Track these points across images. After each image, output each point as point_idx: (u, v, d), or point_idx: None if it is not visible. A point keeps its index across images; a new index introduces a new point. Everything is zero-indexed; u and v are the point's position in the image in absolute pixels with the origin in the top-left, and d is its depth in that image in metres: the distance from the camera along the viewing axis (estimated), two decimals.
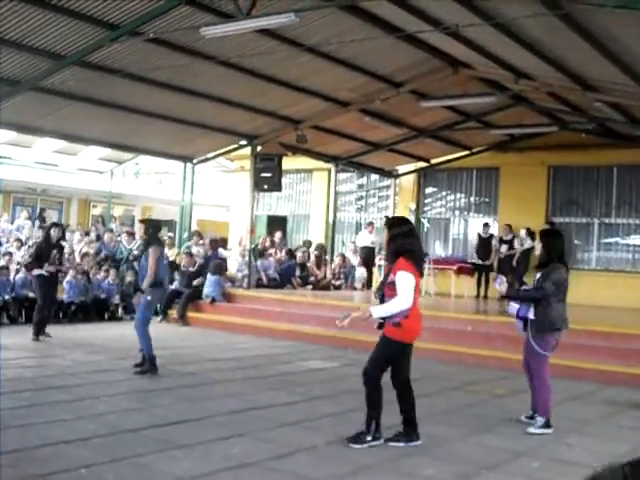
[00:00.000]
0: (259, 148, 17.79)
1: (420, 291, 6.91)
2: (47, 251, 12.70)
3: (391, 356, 6.64)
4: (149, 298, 9.86)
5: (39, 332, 12.42)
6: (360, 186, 24.03)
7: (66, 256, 15.13)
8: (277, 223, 23.43)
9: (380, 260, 19.12)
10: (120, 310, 16.35)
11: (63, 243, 13.97)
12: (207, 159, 19.35)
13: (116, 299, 16.27)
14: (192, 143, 17.56)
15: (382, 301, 6.66)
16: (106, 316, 15.98)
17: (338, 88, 15.33)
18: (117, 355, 11.23)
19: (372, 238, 20.47)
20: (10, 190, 25.29)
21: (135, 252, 17.55)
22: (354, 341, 13.11)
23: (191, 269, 16.84)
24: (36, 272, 12.69)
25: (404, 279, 6.42)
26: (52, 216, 25.33)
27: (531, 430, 7.45)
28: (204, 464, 5.77)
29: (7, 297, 14.40)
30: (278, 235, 21.43)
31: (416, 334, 6.65)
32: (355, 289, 19.80)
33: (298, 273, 19.15)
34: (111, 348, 11.97)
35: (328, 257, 20.50)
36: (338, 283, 19.70)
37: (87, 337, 12.76)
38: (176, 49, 12.35)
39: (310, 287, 18.80)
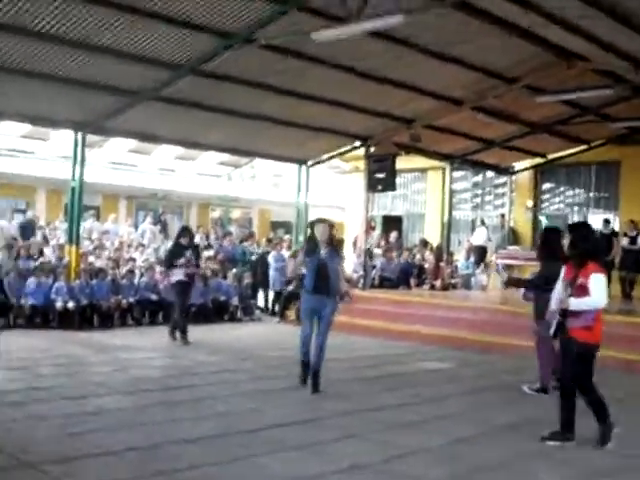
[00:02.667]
0: (373, 149, 17.84)
1: None
2: (178, 256, 12.65)
3: (591, 359, 6.81)
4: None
5: (174, 334, 12.56)
6: (475, 184, 23.76)
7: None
8: (392, 223, 23.47)
9: (497, 259, 18.87)
10: (239, 312, 16.69)
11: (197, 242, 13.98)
12: (321, 161, 19.52)
13: (235, 301, 16.62)
14: (306, 146, 17.77)
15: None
16: (225, 317, 16.35)
17: (450, 86, 15.21)
18: (237, 356, 11.52)
19: (486, 237, 20.24)
20: (133, 196, 26.24)
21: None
22: (471, 341, 13.06)
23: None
24: (173, 279, 12.72)
25: (600, 281, 6.72)
26: (171, 220, 26.09)
27: (525, 390, 9.08)
28: (317, 465, 5.85)
29: (132, 300, 14.95)
30: (394, 235, 21.45)
31: (601, 336, 6.86)
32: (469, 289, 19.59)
33: (415, 273, 19.13)
34: (231, 349, 12.27)
35: (445, 257, 20.35)
36: (455, 282, 19.55)
37: (207, 338, 13.09)
38: (288, 54, 12.57)
39: (427, 287, 18.73)
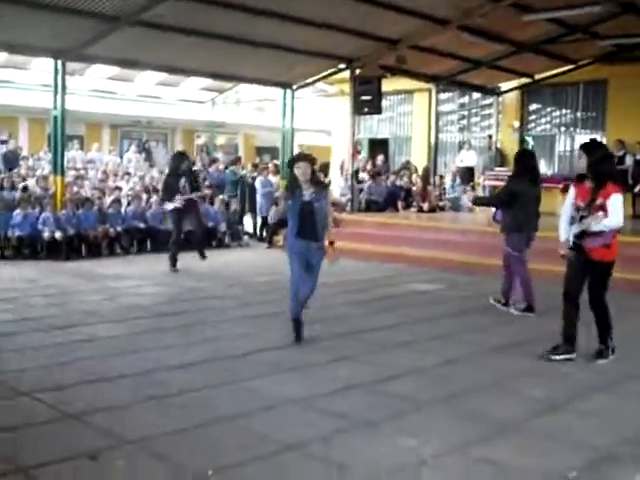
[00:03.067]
0: (358, 71, 17.63)
1: None
2: (175, 182, 12.45)
3: (608, 276, 7.00)
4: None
5: (175, 264, 12.51)
6: (462, 105, 23.53)
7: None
8: (379, 146, 23.33)
9: (485, 181, 18.85)
10: (227, 238, 16.68)
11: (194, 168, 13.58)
12: (306, 84, 19.29)
13: (223, 227, 16.60)
14: (291, 69, 17.51)
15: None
16: (213, 244, 16.34)
17: (436, 5, 14.89)
18: (226, 282, 11.56)
19: (470, 157, 20.20)
20: (116, 124, 25.94)
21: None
22: (459, 263, 13.14)
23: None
24: (169, 206, 12.59)
25: (619, 201, 6.79)
26: (156, 147, 25.88)
27: (512, 311, 9.27)
28: (311, 386, 5.93)
29: (119, 229, 14.90)
30: (380, 158, 21.37)
31: (616, 254, 7.03)
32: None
33: (403, 196, 19.13)
34: (219, 275, 12.30)
35: (432, 179, 20.32)
36: (442, 204, 19.56)
37: (195, 265, 13.11)
38: None
39: (414, 210, 18.74)
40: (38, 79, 20.56)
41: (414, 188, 19.72)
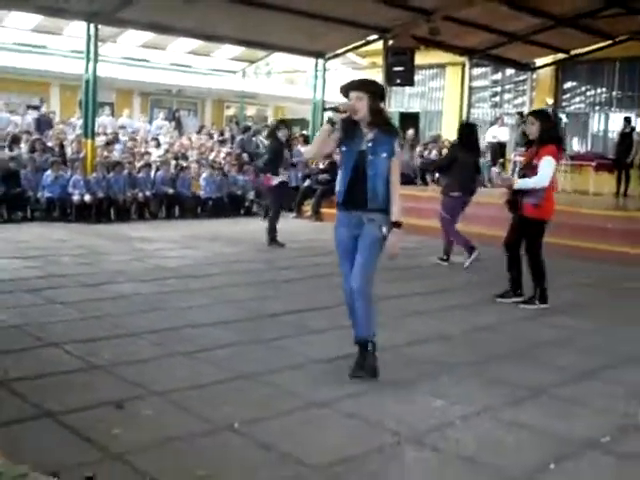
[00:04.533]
0: (391, 42, 17.45)
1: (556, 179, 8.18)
2: (281, 155, 11.86)
3: (539, 233, 7.63)
4: None
5: (274, 240, 11.62)
6: (495, 82, 23.28)
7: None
8: (409, 120, 23.14)
9: (515, 157, 18.65)
10: (255, 206, 16.66)
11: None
12: (338, 54, 19.14)
13: (251, 195, 16.58)
14: (323, 38, 17.36)
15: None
16: (241, 212, 16.35)
17: None
18: (253, 247, 11.54)
19: (503, 133, 19.99)
20: (147, 92, 25.91)
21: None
22: (484, 236, 13.00)
23: (321, 166, 16.86)
24: (275, 181, 11.64)
25: (547, 162, 7.35)
26: (186, 117, 25.83)
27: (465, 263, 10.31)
28: (338, 348, 5.88)
29: (148, 193, 14.93)
30: (410, 132, 21.19)
31: (551, 214, 7.68)
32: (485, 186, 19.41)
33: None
34: (247, 241, 12.28)
35: None
36: None
37: (223, 231, 13.08)
38: None
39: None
40: (71, 45, 20.55)
41: None
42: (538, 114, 7.99)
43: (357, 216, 5.14)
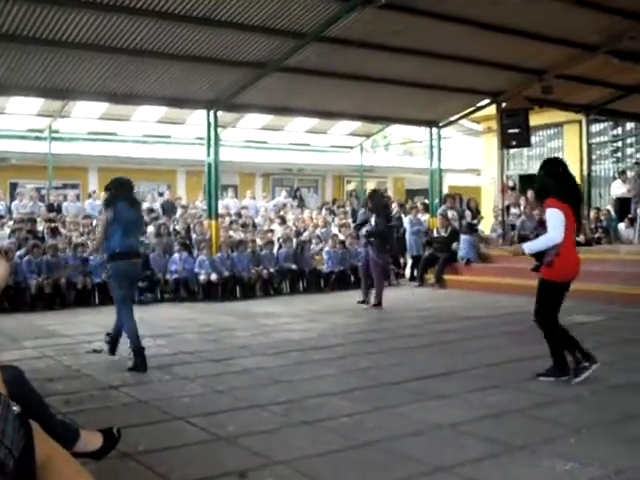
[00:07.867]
0: (504, 105, 17.40)
1: (573, 230, 6.85)
2: (390, 234, 12.39)
3: (550, 296, 6.72)
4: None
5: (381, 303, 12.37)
6: (615, 136, 22.75)
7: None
8: (529, 182, 22.80)
9: (637, 211, 18.06)
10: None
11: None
12: (452, 122, 19.21)
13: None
14: (436, 107, 17.52)
15: None
16: None
17: (582, 31, 14.54)
18: (376, 317, 11.53)
19: (626, 188, 19.42)
20: (268, 173, 26.64)
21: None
22: (621, 295, 12.56)
23: (443, 233, 16.78)
24: (382, 259, 12.48)
25: (553, 215, 6.50)
26: (307, 194, 26.38)
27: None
28: (461, 412, 5.77)
29: (272, 270, 15.21)
30: (530, 194, 20.85)
31: (568, 274, 6.75)
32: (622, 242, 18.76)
33: None
34: (369, 312, 12.27)
35: (585, 212, 19.64)
36: (597, 236, 18.83)
37: (344, 303, 13.15)
38: (409, 12, 12.39)
39: None
40: (194, 133, 21.49)
41: None
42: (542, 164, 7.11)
43: None
